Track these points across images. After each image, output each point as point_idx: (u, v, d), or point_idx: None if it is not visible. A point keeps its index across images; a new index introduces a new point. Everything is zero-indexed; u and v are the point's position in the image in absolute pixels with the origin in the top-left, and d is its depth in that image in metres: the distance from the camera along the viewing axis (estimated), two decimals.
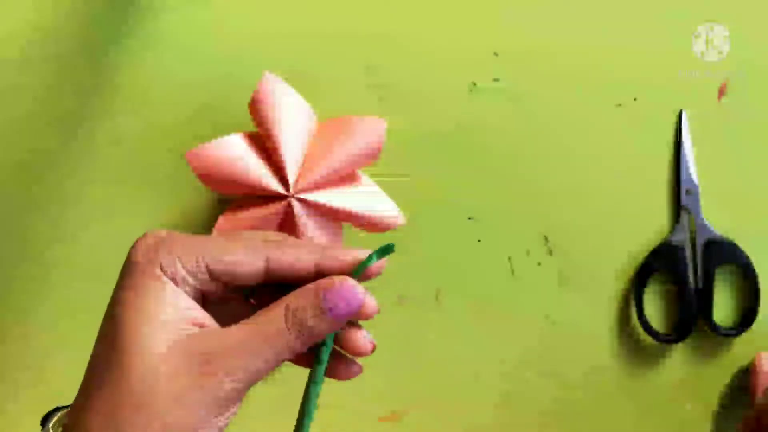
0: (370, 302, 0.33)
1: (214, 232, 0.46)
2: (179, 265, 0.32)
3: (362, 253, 0.33)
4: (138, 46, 0.49)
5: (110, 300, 0.33)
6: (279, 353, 0.32)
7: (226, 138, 0.45)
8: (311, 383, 0.34)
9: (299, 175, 0.45)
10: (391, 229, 0.47)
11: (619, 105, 0.49)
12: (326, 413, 0.52)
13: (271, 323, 0.32)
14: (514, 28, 0.49)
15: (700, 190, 0.50)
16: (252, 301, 0.36)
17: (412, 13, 0.49)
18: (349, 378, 0.36)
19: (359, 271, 0.33)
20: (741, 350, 0.51)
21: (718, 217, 0.50)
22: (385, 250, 0.34)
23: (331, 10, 0.49)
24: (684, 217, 0.50)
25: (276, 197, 0.45)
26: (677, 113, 0.50)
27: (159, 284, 0.32)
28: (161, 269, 0.32)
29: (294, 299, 0.32)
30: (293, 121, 0.45)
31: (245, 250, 0.33)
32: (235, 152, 0.45)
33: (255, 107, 0.45)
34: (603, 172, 0.50)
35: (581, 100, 0.49)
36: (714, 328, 0.50)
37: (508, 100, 0.49)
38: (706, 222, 0.50)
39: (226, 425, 0.32)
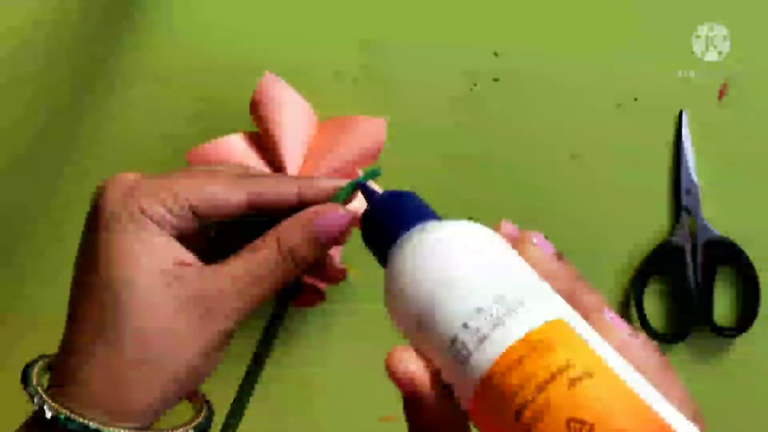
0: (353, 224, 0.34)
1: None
2: (159, 206, 0.32)
3: (341, 181, 0.34)
4: (138, 45, 0.49)
5: (86, 247, 0.33)
6: (273, 286, 0.33)
7: (226, 138, 0.45)
8: (277, 316, 0.35)
9: (301, 173, 0.45)
10: None
11: (619, 105, 0.49)
12: (326, 413, 0.52)
13: (265, 259, 0.32)
14: (514, 28, 0.49)
15: (700, 190, 0.50)
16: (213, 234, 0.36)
17: (412, 13, 0.49)
18: (312, 305, 0.37)
19: (342, 197, 0.34)
20: (741, 350, 0.51)
21: (718, 217, 0.50)
22: (371, 174, 0.34)
23: (331, 10, 0.49)
24: (684, 217, 0.50)
25: None
26: (677, 113, 0.50)
27: (142, 228, 0.32)
28: (142, 211, 0.32)
29: (285, 232, 0.33)
30: (293, 121, 0.45)
31: (227, 187, 0.33)
32: (235, 152, 0.45)
33: (255, 107, 0.45)
34: (603, 172, 0.50)
35: (581, 100, 0.49)
36: (714, 328, 0.50)
37: (508, 100, 0.49)
38: (707, 222, 0.50)
39: (222, 358, 0.34)
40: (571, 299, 0.28)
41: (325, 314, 0.51)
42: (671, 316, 0.51)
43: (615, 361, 0.25)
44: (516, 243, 0.30)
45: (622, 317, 0.28)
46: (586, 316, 0.27)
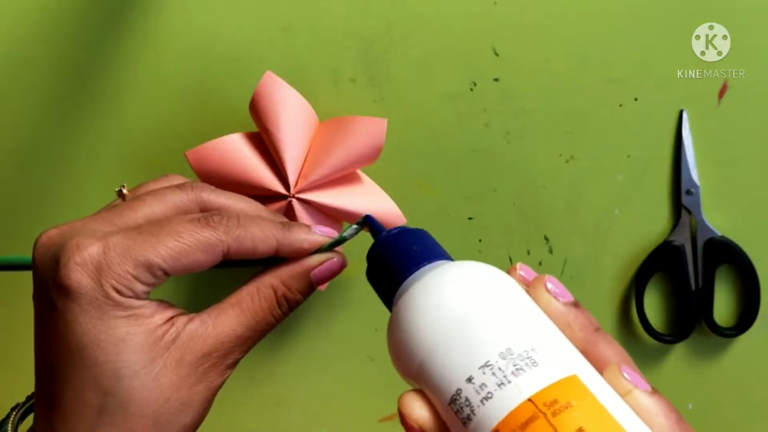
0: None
1: None
2: (135, 283, 0.31)
3: (320, 237, 0.34)
4: (137, 45, 0.49)
5: (60, 331, 0.30)
6: (267, 330, 0.33)
7: (226, 138, 0.45)
8: None
9: (299, 175, 0.45)
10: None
11: (620, 105, 0.49)
12: (326, 413, 0.52)
13: (262, 310, 0.33)
14: (514, 28, 0.49)
15: (700, 190, 0.50)
16: None
17: (412, 12, 0.49)
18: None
19: (326, 249, 0.34)
20: (741, 350, 0.51)
21: (718, 217, 0.50)
22: (361, 224, 0.34)
23: (331, 10, 0.49)
24: (685, 217, 0.50)
25: (276, 197, 0.45)
26: (677, 113, 0.50)
27: (124, 309, 0.30)
28: (119, 292, 0.30)
29: (280, 282, 0.33)
30: (294, 121, 0.45)
31: (203, 253, 0.32)
32: (235, 152, 0.45)
33: (255, 107, 0.45)
34: (603, 172, 0.50)
35: (582, 99, 0.49)
36: (714, 328, 0.50)
37: (508, 100, 0.49)
38: (707, 222, 0.50)
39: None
40: (587, 351, 0.26)
41: (325, 314, 0.51)
42: (671, 316, 0.51)
43: (632, 425, 0.23)
44: (530, 287, 0.29)
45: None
46: (602, 370, 0.26)
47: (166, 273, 0.31)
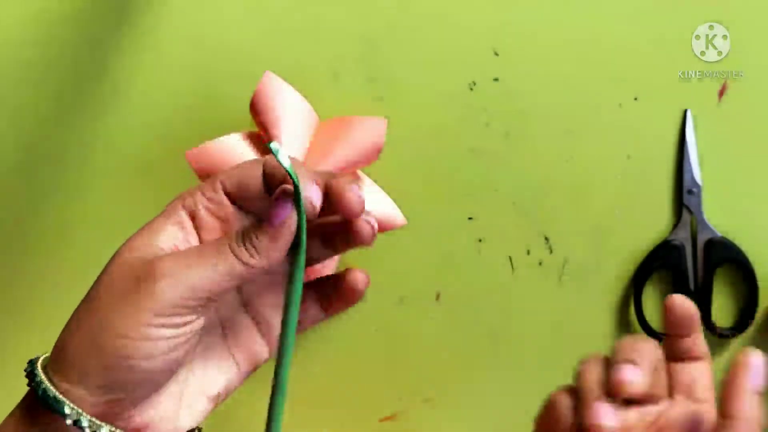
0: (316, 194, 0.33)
1: None
2: (198, 194, 0.34)
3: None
4: (137, 45, 0.49)
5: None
6: (221, 268, 0.32)
7: (226, 138, 0.45)
8: (290, 292, 0.33)
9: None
10: (391, 230, 0.47)
11: (620, 105, 0.49)
12: (326, 413, 0.52)
13: (214, 242, 0.33)
14: (514, 28, 0.49)
15: (702, 190, 0.50)
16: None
17: (412, 12, 0.49)
18: (353, 301, 0.36)
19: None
20: (739, 350, 0.51)
21: (719, 217, 0.50)
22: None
23: (331, 10, 0.49)
24: (686, 217, 0.50)
25: None
26: (677, 113, 0.50)
27: (168, 216, 0.34)
28: (182, 204, 0.34)
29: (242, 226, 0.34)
30: (293, 121, 0.45)
31: (249, 165, 0.34)
32: (235, 152, 0.45)
33: (255, 107, 0.45)
34: (604, 172, 0.50)
35: (582, 99, 0.49)
36: (712, 328, 0.50)
37: (508, 100, 0.49)
38: (708, 222, 0.50)
39: (177, 342, 0.32)
40: None
41: None
42: None
43: None
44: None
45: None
46: None
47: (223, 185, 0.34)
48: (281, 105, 0.45)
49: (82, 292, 0.34)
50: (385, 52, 0.49)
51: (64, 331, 0.34)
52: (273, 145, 0.31)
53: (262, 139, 0.46)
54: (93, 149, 0.50)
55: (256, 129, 0.46)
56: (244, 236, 0.33)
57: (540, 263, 0.51)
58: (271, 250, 0.33)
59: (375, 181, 0.48)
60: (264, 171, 0.34)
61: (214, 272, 0.32)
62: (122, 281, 0.33)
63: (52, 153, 0.50)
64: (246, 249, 0.33)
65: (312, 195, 0.32)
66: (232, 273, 0.33)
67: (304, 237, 0.33)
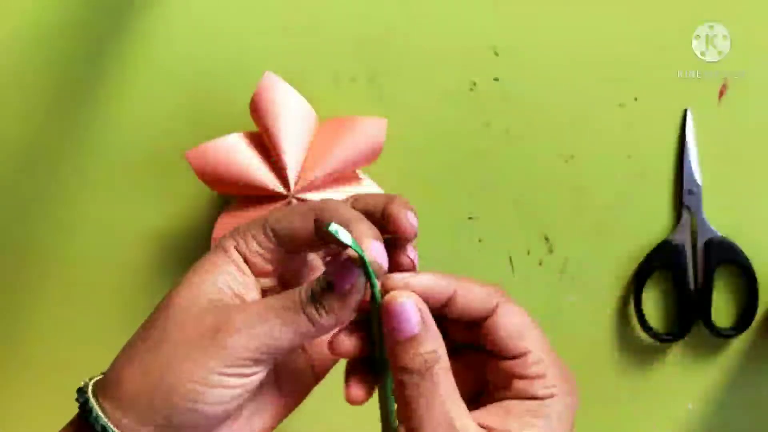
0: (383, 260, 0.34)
1: (214, 232, 0.46)
2: (249, 238, 0.35)
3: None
4: (138, 45, 0.49)
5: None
6: (292, 327, 0.33)
7: (227, 137, 0.45)
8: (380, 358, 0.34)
9: (299, 175, 0.45)
10: None
11: (620, 105, 0.49)
12: (327, 414, 0.52)
13: (285, 299, 0.33)
14: (514, 28, 0.49)
15: (702, 189, 0.50)
16: None
17: (412, 12, 0.49)
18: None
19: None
20: (739, 350, 0.51)
21: (719, 217, 0.50)
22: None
23: (331, 10, 0.49)
24: (686, 217, 0.50)
25: (276, 197, 0.45)
26: (677, 113, 0.50)
27: (224, 256, 0.34)
28: (235, 247, 0.35)
29: (310, 283, 0.34)
30: (293, 121, 0.45)
31: (300, 215, 0.34)
32: (235, 152, 0.45)
33: (255, 107, 0.45)
34: (604, 172, 0.50)
35: (582, 99, 0.49)
36: (712, 328, 0.50)
37: (508, 100, 0.49)
38: (707, 222, 0.50)
39: (242, 391, 0.33)
40: None
41: None
42: (670, 315, 0.51)
43: None
44: None
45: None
46: None
47: (273, 230, 0.35)
48: (281, 105, 0.45)
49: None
50: (385, 52, 0.49)
51: (121, 363, 0.34)
52: (332, 228, 0.32)
53: (261, 139, 0.46)
54: (93, 149, 0.50)
55: (256, 129, 0.46)
56: (314, 296, 0.33)
57: (540, 263, 0.51)
58: (341, 312, 0.33)
59: (375, 181, 0.48)
60: (315, 224, 0.34)
61: (287, 331, 0.33)
62: (195, 326, 0.33)
63: (52, 154, 0.50)
64: (316, 309, 0.33)
65: (378, 256, 0.33)
66: (303, 332, 0.33)
67: (377, 295, 0.33)
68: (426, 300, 0.34)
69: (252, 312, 0.33)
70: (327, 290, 0.33)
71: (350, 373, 0.35)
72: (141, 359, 0.34)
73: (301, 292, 0.33)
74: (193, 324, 0.33)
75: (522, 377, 0.35)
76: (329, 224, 0.32)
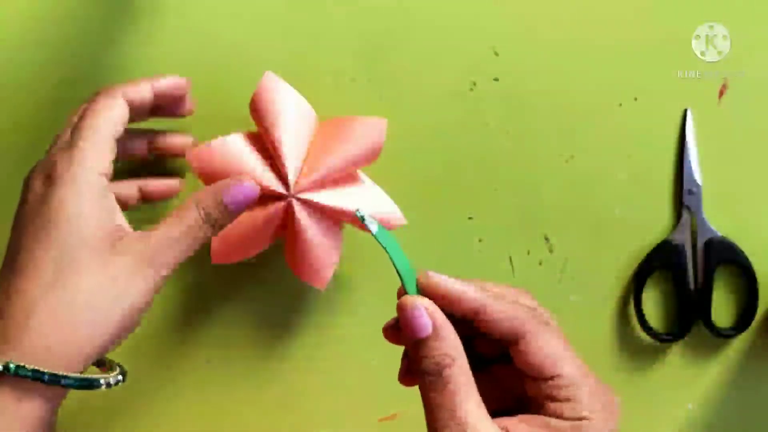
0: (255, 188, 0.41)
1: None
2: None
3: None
4: (137, 45, 0.49)
5: (36, 202, 0.39)
6: (196, 242, 0.40)
7: (227, 138, 0.45)
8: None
9: (299, 175, 0.45)
10: (391, 230, 0.47)
11: (620, 105, 0.49)
12: (326, 413, 0.52)
13: (187, 216, 0.40)
14: (514, 28, 0.49)
15: (702, 190, 0.50)
16: None
17: (413, 12, 0.49)
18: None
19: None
20: (739, 350, 0.51)
21: (719, 217, 0.50)
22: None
23: (331, 10, 0.49)
24: (686, 217, 0.50)
25: (276, 197, 0.45)
26: (677, 113, 0.50)
27: (91, 188, 0.39)
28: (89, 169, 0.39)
29: (202, 198, 0.40)
30: (293, 121, 0.45)
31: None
32: (235, 152, 0.45)
33: (255, 107, 0.45)
34: (604, 172, 0.50)
35: (582, 99, 0.49)
36: (712, 328, 0.50)
37: (508, 100, 0.49)
38: (707, 222, 0.50)
39: (149, 307, 0.39)
40: None
41: (325, 315, 0.51)
42: (670, 315, 0.51)
43: None
44: None
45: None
46: None
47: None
48: (281, 105, 0.45)
49: None
50: (385, 52, 0.49)
51: (33, 308, 0.37)
52: (359, 213, 0.35)
53: (262, 139, 0.46)
54: None
55: (256, 129, 0.46)
56: (210, 218, 0.40)
57: (540, 263, 0.51)
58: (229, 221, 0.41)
59: (375, 182, 0.48)
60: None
61: (194, 249, 0.41)
62: (117, 263, 0.39)
63: None
64: (212, 227, 0.41)
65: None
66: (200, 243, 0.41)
67: (406, 286, 0.36)
68: (453, 306, 0.35)
69: (169, 238, 0.39)
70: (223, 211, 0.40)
71: (404, 359, 0.38)
72: (52, 304, 0.37)
73: (199, 214, 0.40)
74: (111, 251, 0.38)
75: (552, 399, 0.35)
76: (357, 209, 0.35)
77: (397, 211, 0.47)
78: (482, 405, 0.34)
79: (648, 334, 0.50)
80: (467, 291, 0.35)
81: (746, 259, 0.49)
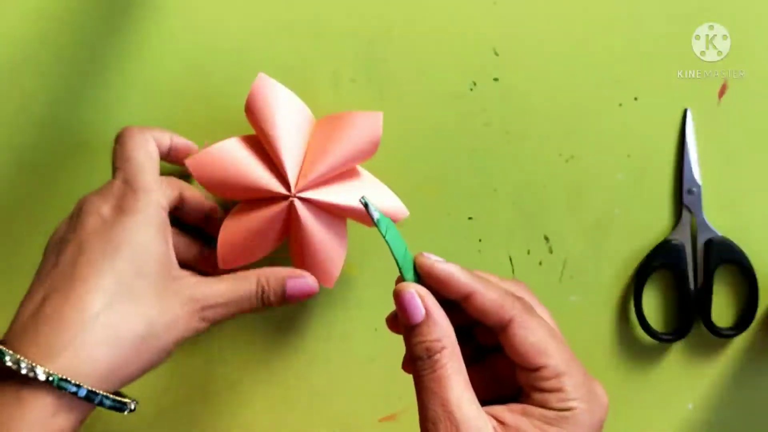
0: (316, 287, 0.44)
1: (220, 236, 0.46)
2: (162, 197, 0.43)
3: None
4: (137, 45, 0.49)
5: (104, 226, 0.40)
6: (240, 311, 0.42)
7: (225, 143, 0.45)
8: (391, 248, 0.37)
9: (299, 175, 0.45)
10: (395, 222, 0.47)
11: (620, 105, 0.49)
12: (326, 413, 0.52)
13: (246, 288, 0.42)
14: (514, 28, 0.49)
15: (702, 189, 0.50)
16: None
17: (412, 12, 0.49)
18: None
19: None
20: (739, 350, 0.51)
21: (719, 217, 0.50)
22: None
23: (331, 10, 0.49)
24: (685, 217, 0.50)
25: (278, 198, 0.45)
26: (677, 113, 0.50)
27: (160, 221, 0.41)
28: (159, 204, 0.42)
29: (266, 278, 0.42)
30: (290, 121, 0.45)
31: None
32: (233, 157, 0.45)
33: (251, 109, 0.45)
34: (604, 172, 0.50)
35: (582, 99, 0.49)
36: (712, 328, 0.50)
37: (508, 100, 0.49)
38: (707, 221, 0.50)
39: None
40: None
41: (326, 315, 0.51)
42: (670, 315, 0.51)
43: None
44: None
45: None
46: None
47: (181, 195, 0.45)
48: (276, 106, 0.45)
49: None
50: (385, 52, 0.49)
51: (84, 329, 0.38)
52: (362, 200, 0.37)
53: (259, 142, 0.46)
54: (93, 150, 0.50)
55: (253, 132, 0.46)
56: (265, 302, 0.44)
57: (540, 263, 0.51)
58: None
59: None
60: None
61: (236, 315, 0.44)
62: (171, 299, 0.41)
63: (51, 154, 0.50)
64: (263, 304, 0.44)
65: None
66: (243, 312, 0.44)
67: (403, 273, 0.37)
68: (446, 289, 0.36)
69: (220, 298, 0.41)
70: (280, 297, 0.43)
71: None
72: (98, 323, 0.37)
73: (257, 291, 0.42)
74: (166, 286, 0.40)
75: (539, 389, 0.35)
76: (362, 196, 0.37)
77: (400, 204, 0.47)
78: (471, 391, 0.35)
79: (648, 334, 0.50)
80: (456, 273, 0.36)
81: (746, 259, 0.49)
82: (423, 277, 0.37)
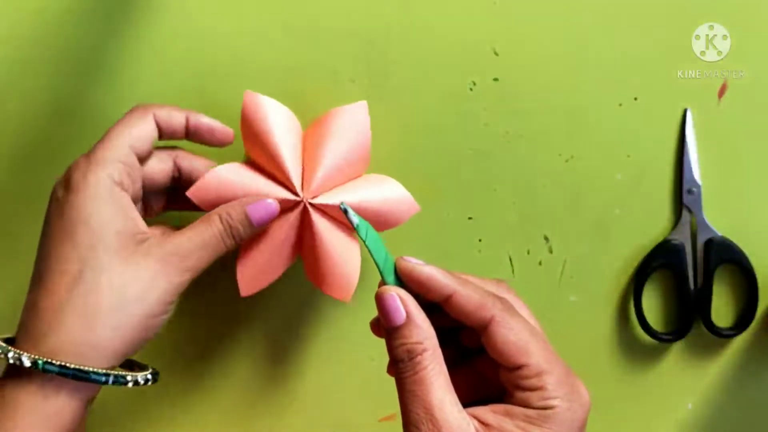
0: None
1: (238, 265, 0.46)
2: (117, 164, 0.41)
3: None
4: (137, 46, 0.49)
5: (58, 212, 0.40)
6: (217, 251, 0.42)
7: (224, 166, 0.44)
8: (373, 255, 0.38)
9: (304, 181, 0.44)
10: (408, 218, 0.46)
11: (620, 105, 0.49)
12: (326, 413, 0.52)
13: (212, 228, 0.42)
14: (514, 28, 0.49)
15: (702, 189, 0.50)
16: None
17: (412, 12, 0.49)
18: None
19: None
20: (739, 350, 0.51)
21: (719, 217, 0.50)
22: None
23: (331, 10, 0.49)
24: (685, 216, 0.50)
25: (290, 206, 0.44)
26: (677, 113, 0.50)
27: (111, 193, 0.40)
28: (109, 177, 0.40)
29: (227, 213, 0.42)
30: (285, 133, 0.45)
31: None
32: (234, 178, 0.44)
33: (246, 127, 0.45)
34: (604, 172, 0.50)
35: (582, 99, 0.49)
36: (712, 328, 0.50)
37: (508, 100, 0.49)
38: (707, 221, 0.50)
39: (172, 311, 0.41)
40: None
41: (326, 315, 0.51)
42: (670, 315, 0.51)
43: None
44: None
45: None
46: None
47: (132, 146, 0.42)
48: (269, 121, 0.44)
49: None
50: (385, 52, 0.49)
51: (60, 309, 0.38)
52: (342, 206, 0.37)
53: (256, 163, 0.45)
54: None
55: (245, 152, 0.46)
56: (233, 232, 0.43)
57: (540, 263, 0.51)
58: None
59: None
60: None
61: (215, 257, 0.43)
62: (141, 263, 0.40)
63: (52, 154, 0.50)
64: (233, 238, 0.43)
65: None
66: (220, 253, 0.43)
67: (383, 275, 0.38)
68: (427, 291, 0.36)
69: (192, 245, 0.41)
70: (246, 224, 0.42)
71: None
72: (78, 305, 0.38)
73: (223, 225, 0.42)
74: (133, 250, 0.40)
75: (520, 388, 0.35)
76: (341, 202, 0.38)
77: (410, 198, 0.47)
78: (453, 393, 0.35)
79: (648, 334, 0.50)
80: (436, 275, 0.36)
81: (746, 259, 0.49)
82: (404, 280, 0.37)
